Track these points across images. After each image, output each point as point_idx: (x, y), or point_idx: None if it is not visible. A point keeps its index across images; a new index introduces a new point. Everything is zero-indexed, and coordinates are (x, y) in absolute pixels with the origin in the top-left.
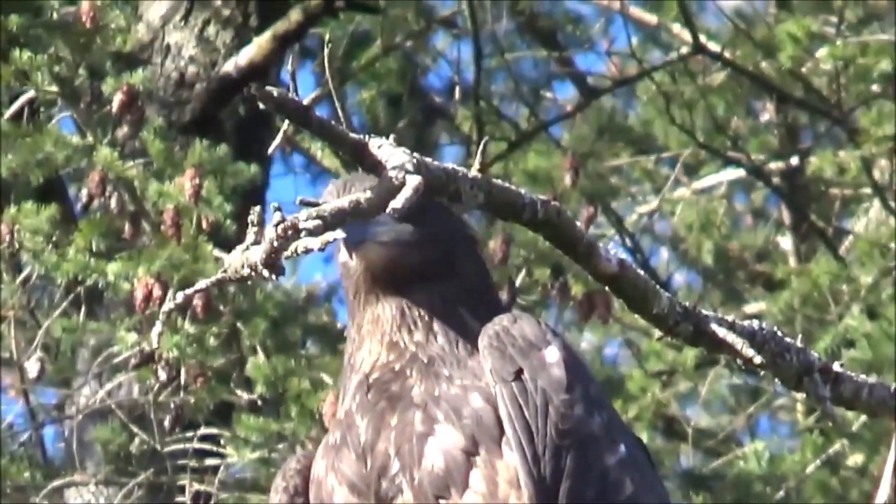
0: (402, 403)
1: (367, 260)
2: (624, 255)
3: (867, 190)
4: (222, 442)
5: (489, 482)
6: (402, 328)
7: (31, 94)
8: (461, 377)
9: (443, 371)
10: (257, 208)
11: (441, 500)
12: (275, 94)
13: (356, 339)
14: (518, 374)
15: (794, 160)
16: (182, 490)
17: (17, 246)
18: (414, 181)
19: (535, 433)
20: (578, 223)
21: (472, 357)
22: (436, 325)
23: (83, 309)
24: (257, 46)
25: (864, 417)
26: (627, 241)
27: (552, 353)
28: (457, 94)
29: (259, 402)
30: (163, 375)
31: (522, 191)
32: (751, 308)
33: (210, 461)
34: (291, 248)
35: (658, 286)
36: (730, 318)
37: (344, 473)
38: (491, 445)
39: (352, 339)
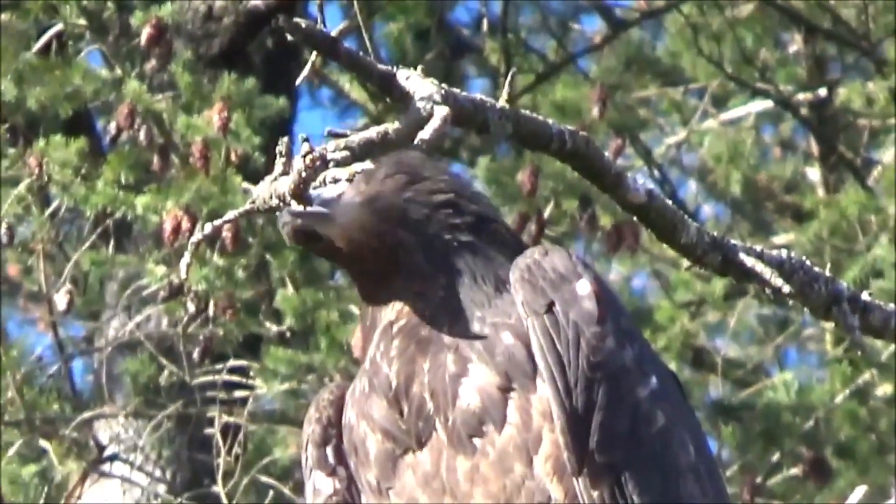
0: (434, 347)
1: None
2: (652, 186)
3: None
4: (251, 374)
5: (523, 415)
6: (424, 277)
7: (59, 27)
8: (491, 316)
9: (472, 312)
10: (285, 140)
11: (475, 439)
12: (303, 25)
13: (373, 295)
14: (549, 306)
15: (823, 91)
16: (211, 422)
17: (45, 179)
18: (442, 112)
19: (567, 366)
20: (606, 154)
21: (499, 295)
22: (460, 267)
23: (112, 242)
24: None
25: (893, 347)
26: (655, 172)
27: (583, 286)
28: (484, 27)
29: (288, 334)
30: (191, 308)
31: (550, 121)
32: (779, 239)
33: (239, 393)
34: (319, 178)
35: (686, 216)
36: (758, 247)
37: (376, 421)
38: (524, 380)
39: (367, 296)
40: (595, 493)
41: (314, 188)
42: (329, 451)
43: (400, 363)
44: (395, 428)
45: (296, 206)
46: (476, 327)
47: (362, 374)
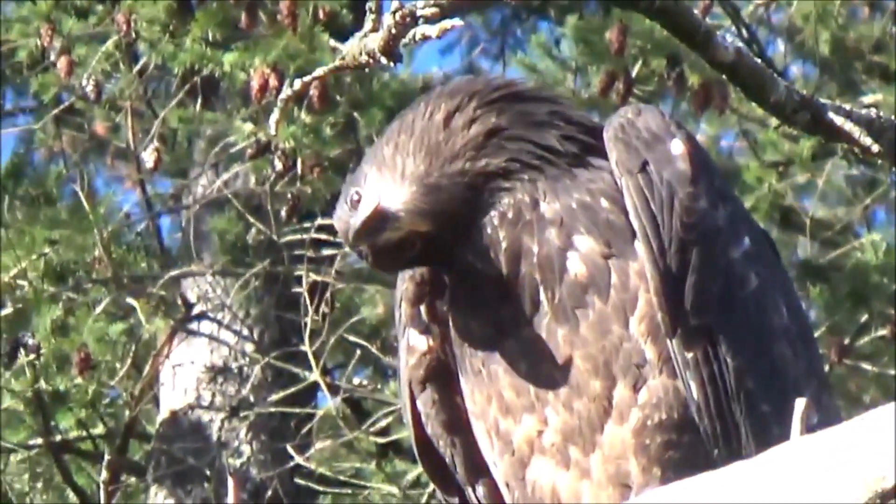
0: (538, 226)
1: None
2: (741, 44)
3: None
4: None
5: (621, 277)
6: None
7: None
8: (585, 182)
9: (565, 184)
10: None
11: (578, 310)
12: None
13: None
14: (643, 166)
15: None
16: (299, 280)
17: (133, 36)
18: None
19: (661, 226)
20: (695, 12)
21: (585, 162)
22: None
23: (199, 99)
24: None
25: None
26: (744, 31)
27: (677, 146)
28: None
29: None
30: (279, 165)
31: None
32: (867, 99)
33: (327, 251)
34: (409, 35)
35: (775, 75)
36: (847, 106)
37: (479, 309)
38: (622, 243)
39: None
40: (689, 355)
41: (403, 45)
42: (423, 308)
43: (507, 249)
44: (499, 314)
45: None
46: (574, 196)
47: (456, 276)
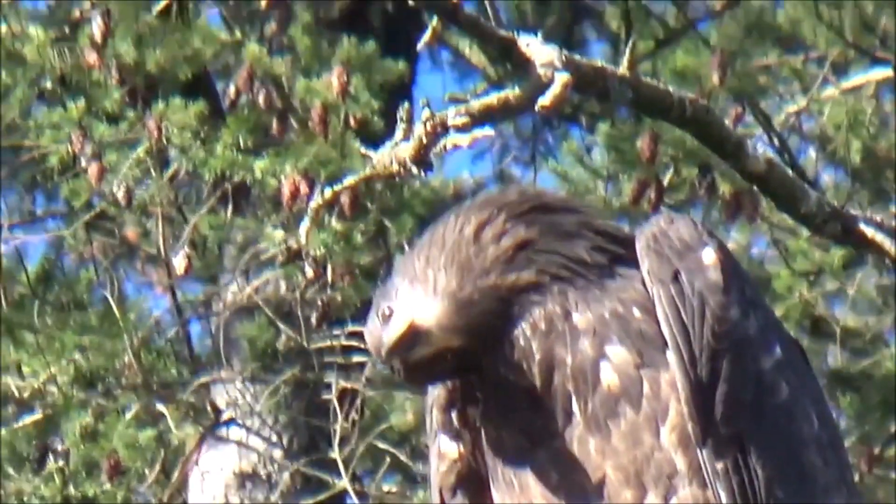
0: (571, 337)
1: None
2: (772, 154)
3: None
4: None
5: (653, 386)
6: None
7: None
8: (616, 292)
9: (596, 294)
10: (406, 105)
11: (610, 420)
12: None
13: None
14: (675, 275)
15: None
16: (328, 387)
17: (164, 142)
18: (562, 78)
19: (692, 336)
20: (726, 121)
21: (613, 273)
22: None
23: (230, 205)
24: None
25: None
26: (775, 140)
27: (708, 255)
28: None
29: None
30: (309, 272)
31: (671, 88)
32: None
33: (357, 358)
34: (440, 144)
35: (806, 185)
36: (878, 217)
37: (511, 420)
38: (654, 353)
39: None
40: (719, 465)
41: (434, 153)
42: (454, 414)
43: (541, 361)
44: (531, 424)
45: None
46: (606, 305)
47: (488, 387)
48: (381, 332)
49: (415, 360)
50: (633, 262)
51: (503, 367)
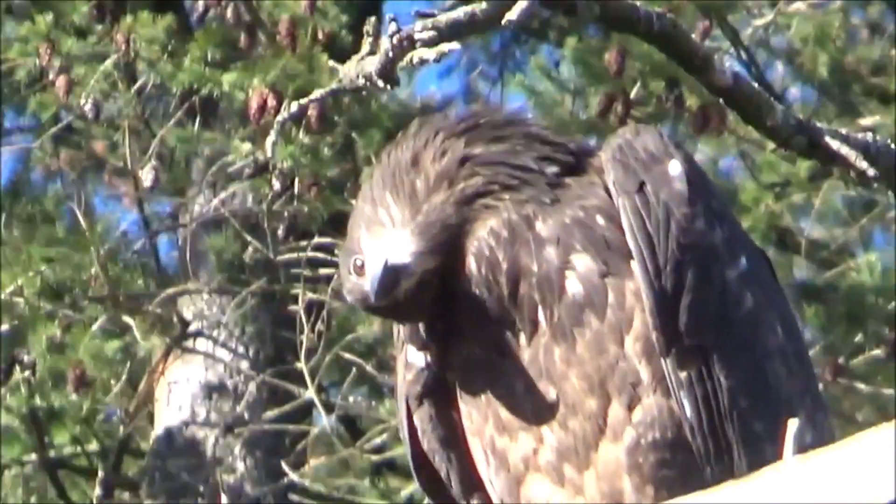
0: (535, 245)
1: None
2: (739, 68)
3: None
4: (336, 251)
5: (618, 296)
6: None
7: None
8: (578, 199)
9: (560, 205)
10: (373, 19)
11: (576, 328)
12: None
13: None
14: (641, 186)
15: None
16: (295, 299)
17: (132, 55)
18: None
19: (657, 247)
20: (693, 36)
21: (571, 182)
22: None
23: (198, 118)
24: None
25: None
26: (743, 54)
27: (674, 167)
28: None
29: None
30: (277, 185)
31: (638, 3)
32: (866, 121)
33: (323, 270)
34: (406, 58)
35: (772, 99)
36: (844, 131)
37: (476, 334)
38: (619, 263)
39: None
40: (683, 375)
41: (401, 68)
42: (421, 325)
43: (507, 270)
44: (497, 334)
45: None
46: (567, 213)
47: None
48: (360, 284)
49: (403, 297)
50: (590, 174)
51: (471, 281)
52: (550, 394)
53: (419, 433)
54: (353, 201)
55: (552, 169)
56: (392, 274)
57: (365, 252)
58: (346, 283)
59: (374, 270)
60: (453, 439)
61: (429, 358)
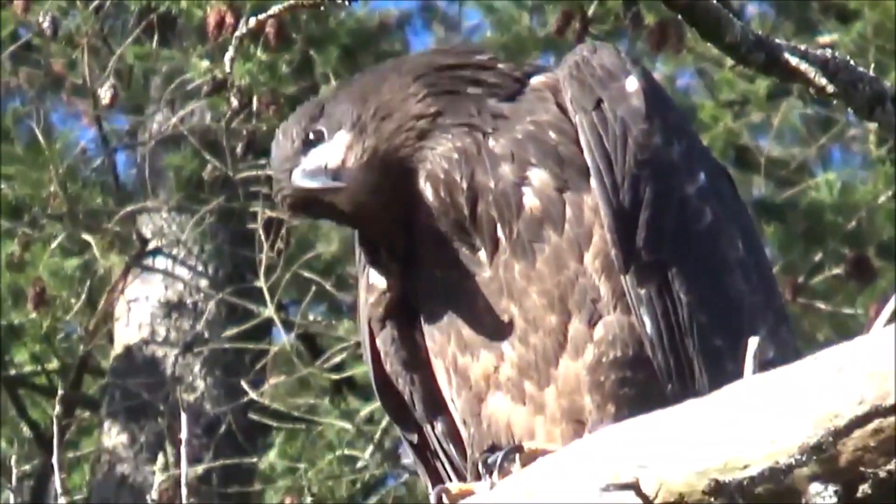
0: (491, 162)
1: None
2: None
3: None
4: None
5: (576, 212)
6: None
7: None
8: (526, 113)
9: (510, 123)
10: None
11: (535, 244)
12: None
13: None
14: (598, 103)
15: None
16: (254, 216)
17: None
18: None
19: (615, 162)
20: None
21: (521, 102)
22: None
23: (156, 36)
24: None
25: None
26: None
27: (631, 83)
28: None
29: None
30: (235, 102)
31: None
32: (824, 39)
33: None
34: None
35: (731, 15)
36: (802, 47)
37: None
38: (577, 178)
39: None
40: (642, 291)
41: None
42: (382, 249)
43: (468, 189)
44: (458, 254)
45: (302, 180)
46: (517, 128)
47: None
48: (297, 154)
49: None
50: (541, 90)
51: (428, 204)
52: (511, 310)
53: (382, 356)
54: None
55: (493, 102)
56: (330, 194)
57: (334, 142)
58: (281, 140)
59: (320, 162)
60: (416, 361)
61: (390, 280)
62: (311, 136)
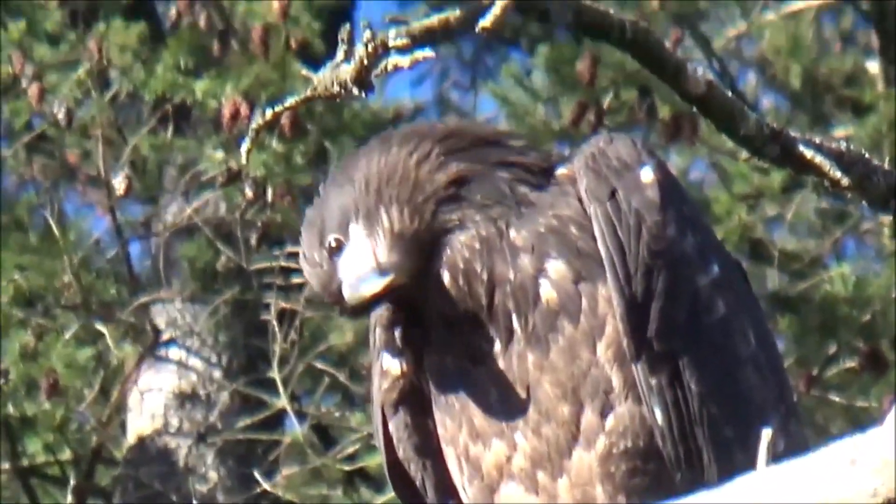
0: (510, 254)
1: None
2: (711, 76)
3: None
4: None
5: (591, 302)
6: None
7: None
8: (552, 209)
9: (533, 215)
10: (347, 27)
11: (550, 334)
12: None
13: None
14: (612, 194)
15: None
16: (267, 308)
17: (105, 63)
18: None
19: (628, 253)
20: (666, 44)
21: (547, 194)
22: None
23: (171, 126)
24: None
25: None
26: (715, 64)
27: (646, 174)
28: None
29: None
30: (249, 193)
31: (611, 10)
32: (838, 132)
33: (296, 279)
34: (381, 65)
35: (745, 107)
36: (817, 139)
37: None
38: (593, 269)
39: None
40: (653, 381)
41: (375, 75)
42: (397, 332)
43: (487, 280)
44: (472, 343)
45: (356, 292)
46: (540, 221)
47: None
48: (328, 266)
49: (368, 300)
50: (563, 184)
51: (445, 292)
52: (524, 401)
53: (395, 441)
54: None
55: (523, 189)
56: (390, 291)
57: (356, 244)
58: (308, 254)
59: (374, 282)
60: (428, 447)
61: (405, 366)
62: (332, 246)
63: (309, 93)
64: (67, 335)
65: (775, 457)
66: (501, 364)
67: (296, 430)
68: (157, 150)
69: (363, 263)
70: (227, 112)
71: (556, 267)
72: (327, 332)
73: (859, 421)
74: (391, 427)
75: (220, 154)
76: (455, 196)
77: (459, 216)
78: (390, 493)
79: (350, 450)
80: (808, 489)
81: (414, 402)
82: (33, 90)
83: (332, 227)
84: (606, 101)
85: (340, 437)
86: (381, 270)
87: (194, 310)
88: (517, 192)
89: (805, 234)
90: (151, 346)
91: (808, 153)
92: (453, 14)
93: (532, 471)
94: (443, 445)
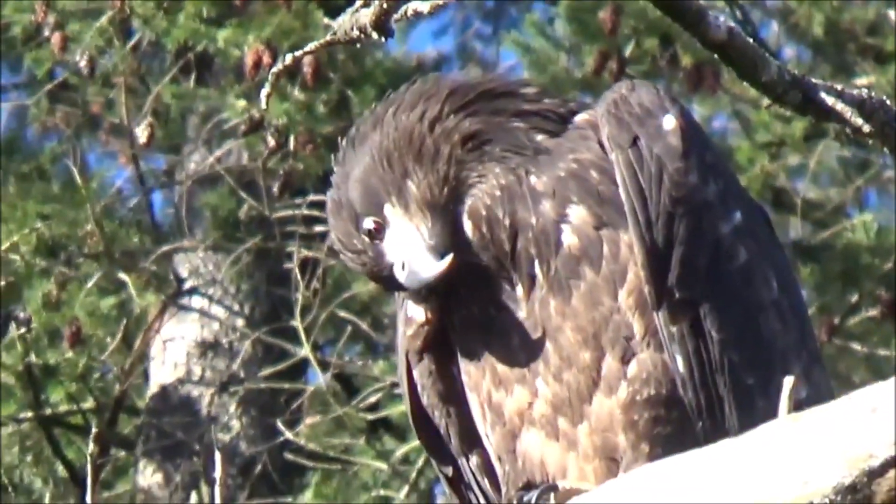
0: (532, 199)
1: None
2: (733, 24)
3: None
4: None
5: (612, 249)
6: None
7: None
8: (569, 152)
9: (553, 160)
10: None
11: (572, 280)
12: None
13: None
14: (634, 141)
15: None
16: (290, 256)
17: (127, 12)
18: None
19: (649, 200)
20: None
21: (566, 137)
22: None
23: (193, 75)
24: None
25: None
26: (737, 12)
27: (668, 121)
28: None
29: None
30: (272, 142)
31: None
32: (860, 81)
33: (318, 228)
34: (401, 10)
35: (767, 54)
36: (838, 86)
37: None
38: (614, 216)
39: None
40: (674, 328)
41: (395, 20)
42: None
43: (510, 225)
44: (495, 290)
45: (419, 278)
46: (560, 166)
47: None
48: (373, 250)
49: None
50: (584, 127)
51: (469, 242)
52: (546, 346)
53: (419, 388)
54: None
55: (540, 137)
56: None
57: (392, 226)
58: (344, 240)
59: (437, 264)
60: (453, 394)
61: (429, 313)
62: (372, 229)
63: (329, 38)
64: (90, 284)
65: (799, 403)
66: (524, 311)
67: (318, 379)
68: (180, 99)
69: (415, 247)
70: (249, 60)
71: (578, 213)
72: (350, 280)
73: (881, 369)
74: (415, 374)
75: (242, 103)
76: (473, 152)
77: (480, 171)
78: (413, 442)
79: (373, 399)
80: (829, 438)
81: (438, 349)
82: (56, 39)
83: (365, 210)
84: (628, 49)
85: (363, 387)
86: (436, 251)
87: (216, 258)
88: (534, 140)
89: (827, 183)
90: (174, 295)
91: (830, 100)
92: None
93: (553, 416)
94: (466, 392)
